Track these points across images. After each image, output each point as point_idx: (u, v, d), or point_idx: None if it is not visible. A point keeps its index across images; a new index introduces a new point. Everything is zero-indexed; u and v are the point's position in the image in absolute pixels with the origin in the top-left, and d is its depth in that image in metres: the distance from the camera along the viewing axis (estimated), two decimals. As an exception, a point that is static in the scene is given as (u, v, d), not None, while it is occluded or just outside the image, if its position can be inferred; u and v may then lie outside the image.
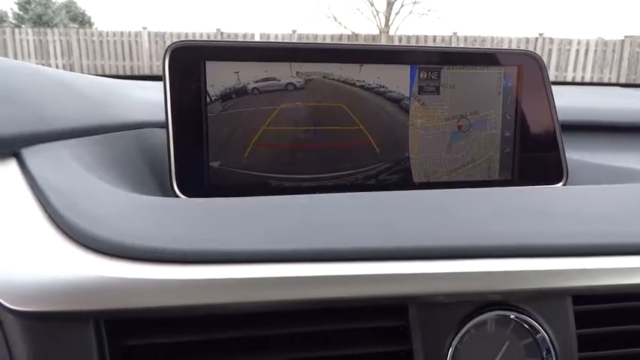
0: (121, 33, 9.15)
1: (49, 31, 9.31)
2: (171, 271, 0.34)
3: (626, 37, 8.77)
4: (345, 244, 0.38)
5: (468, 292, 0.40)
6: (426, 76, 0.50)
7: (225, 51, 0.47)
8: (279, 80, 0.47)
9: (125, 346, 0.36)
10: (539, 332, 0.43)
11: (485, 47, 0.53)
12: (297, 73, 0.48)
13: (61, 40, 9.14)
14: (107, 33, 9.20)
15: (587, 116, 0.81)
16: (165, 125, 0.48)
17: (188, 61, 0.46)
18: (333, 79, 0.48)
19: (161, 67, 0.46)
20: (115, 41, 9.12)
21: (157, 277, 0.34)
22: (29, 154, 0.40)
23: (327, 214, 0.42)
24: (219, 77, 0.46)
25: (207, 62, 0.46)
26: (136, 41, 9.11)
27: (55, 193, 0.37)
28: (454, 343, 0.41)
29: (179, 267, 0.34)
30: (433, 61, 0.50)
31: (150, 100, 0.58)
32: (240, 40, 0.47)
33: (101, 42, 9.11)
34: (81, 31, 9.41)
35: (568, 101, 0.80)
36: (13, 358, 0.33)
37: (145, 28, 9.18)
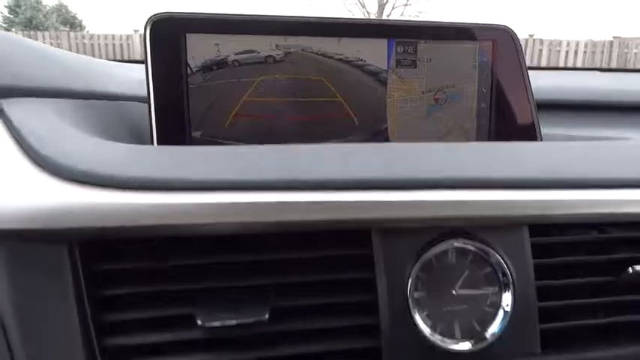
0: (112, 36, 9.14)
1: (39, 34, 9.29)
2: (141, 197, 0.37)
3: (614, 37, 8.87)
4: (313, 175, 0.41)
5: (426, 217, 0.42)
6: (403, 49, 0.51)
7: (206, 23, 0.48)
8: (259, 53, 0.48)
9: (99, 271, 0.39)
10: (497, 262, 0.45)
11: (461, 22, 0.54)
12: (277, 46, 0.49)
13: (51, 43, 9.11)
14: (98, 36, 9.19)
15: (560, 95, 0.83)
16: (147, 100, 0.49)
17: (169, 34, 0.47)
18: (313, 52, 0.49)
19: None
20: (106, 44, 9.11)
21: (126, 202, 0.36)
22: (7, 104, 0.41)
23: (298, 155, 0.44)
24: (200, 49, 0.47)
25: (187, 35, 0.47)
26: (128, 44, 9.09)
27: (32, 135, 0.39)
28: (414, 271, 0.43)
29: (148, 193, 0.37)
30: (410, 35, 0.51)
31: (133, 77, 0.59)
32: (220, 13, 0.48)
33: (92, 45, 9.09)
34: (72, 34, 9.39)
35: (543, 82, 0.82)
36: None
37: (136, 31, 9.18)
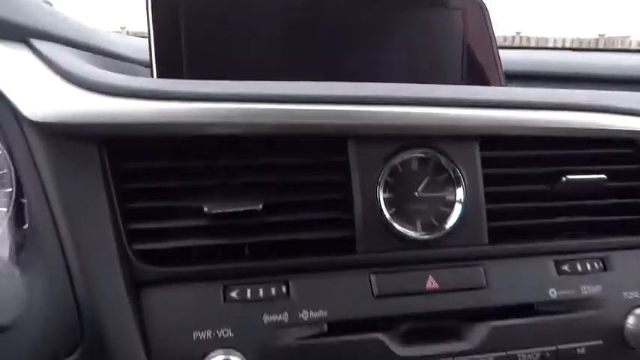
0: (102, 31, 9.15)
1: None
2: (156, 105, 0.47)
3: (600, 35, 9.00)
4: (303, 92, 0.51)
5: (394, 125, 0.53)
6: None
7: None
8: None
9: (123, 168, 0.50)
10: (452, 169, 0.57)
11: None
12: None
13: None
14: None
15: (531, 67, 0.92)
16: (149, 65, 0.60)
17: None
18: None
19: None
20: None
21: (144, 108, 0.47)
22: (39, 43, 0.49)
23: (292, 84, 0.53)
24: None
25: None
26: (119, 39, 9.11)
27: (61, 61, 0.48)
28: (383, 174, 0.55)
29: (162, 102, 0.48)
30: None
31: (136, 46, 0.70)
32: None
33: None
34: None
35: (516, 56, 0.92)
36: (37, 166, 0.47)
37: (123, 28, 9.16)
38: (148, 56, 0.60)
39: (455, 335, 0.58)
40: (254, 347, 0.51)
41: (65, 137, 0.48)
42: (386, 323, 0.56)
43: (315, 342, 0.53)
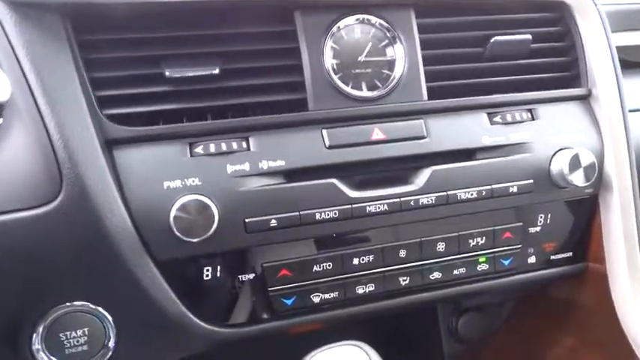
0: None
1: None
2: None
3: None
4: None
5: None
6: None
7: None
8: None
9: (87, 39, 0.56)
10: (392, 36, 0.64)
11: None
12: None
13: None
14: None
15: None
16: None
17: None
18: None
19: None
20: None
21: None
22: None
23: None
24: None
25: None
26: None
27: None
28: (328, 40, 0.63)
29: None
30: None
31: None
32: None
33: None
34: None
35: None
36: (8, 37, 0.53)
37: None
38: None
39: (401, 180, 0.66)
40: (219, 193, 0.57)
41: (31, 7, 0.53)
42: (339, 173, 0.63)
43: (275, 187, 0.60)
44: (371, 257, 0.66)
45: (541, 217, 0.74)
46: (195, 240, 0.55)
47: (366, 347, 0.63)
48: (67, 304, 0.54)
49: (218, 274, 0.61)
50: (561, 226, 0.76)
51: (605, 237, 0.76)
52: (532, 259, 0.75)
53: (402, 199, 0.64)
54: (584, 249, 0.79)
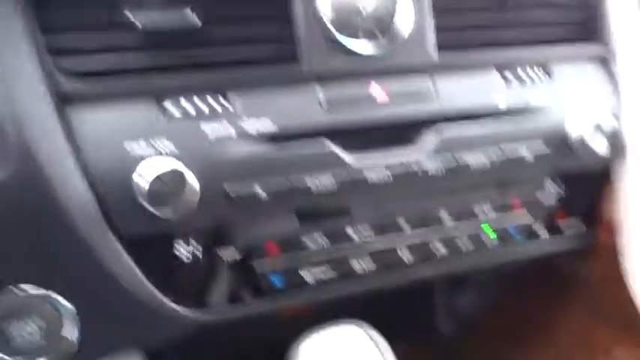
0: None
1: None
2: None
3: None
4: None
5: None
6: None
7: None
8: None
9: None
10: None
11: None
12: None
13: None
14: None
15: None
16: None
17: None
18: None
19: None
20: None
21: None
22: None
23: None
24: None
25: None
26: None
27: None
28: None
29: None
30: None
31: None
32: None
33: None
34: None
35: None
36: None
37: None
38: None
39: (404, 143, 0.57)
40: (196, 158, 0.49)
41: None
42: (336, 135, 0.55)
43: (259, 151, 0.51)
44: (369, 228, 0.58)
45: (555, 188, 0.67)
46: (166, 212, 0.47)
47: (367, 327, 0.56)
48: (15, 289, 0.46)
49: (194, 250, 0.53)
50: (576, 198, 0.70)
51: (622, 209, 0.70)
52: (544, 233, 0.69)
53: (405, 163, 0.56)
54: (598, 222, 0.73)
